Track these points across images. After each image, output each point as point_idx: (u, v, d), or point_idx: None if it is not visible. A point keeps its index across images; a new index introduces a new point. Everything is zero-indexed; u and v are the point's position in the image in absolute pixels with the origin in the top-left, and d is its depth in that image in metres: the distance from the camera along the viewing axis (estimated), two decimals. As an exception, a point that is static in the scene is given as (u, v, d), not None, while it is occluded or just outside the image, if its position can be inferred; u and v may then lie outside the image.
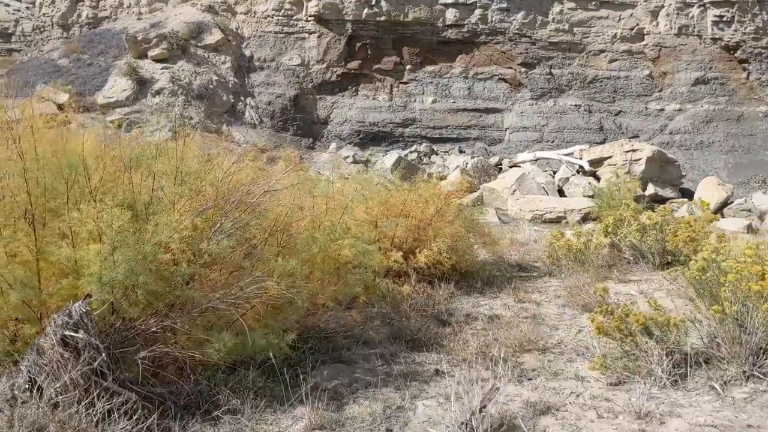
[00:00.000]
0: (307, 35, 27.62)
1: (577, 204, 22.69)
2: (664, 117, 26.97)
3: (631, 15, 27.33)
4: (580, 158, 25.15)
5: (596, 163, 24.90)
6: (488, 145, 27.10)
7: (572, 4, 27.25)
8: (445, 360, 6.30)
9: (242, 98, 26.70)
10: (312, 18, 27.66)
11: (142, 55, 27.47)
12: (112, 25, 30.98)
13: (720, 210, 22.50)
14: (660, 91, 27.16)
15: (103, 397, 4.44)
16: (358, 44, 27.47)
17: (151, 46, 27.47)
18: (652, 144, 25.21)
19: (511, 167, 25.90)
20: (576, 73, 27.07)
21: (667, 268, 9.97)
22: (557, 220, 21.90)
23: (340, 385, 5.69)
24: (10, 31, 39.25)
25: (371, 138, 26.75)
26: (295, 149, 21.81)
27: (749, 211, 22.56)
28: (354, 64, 27.51)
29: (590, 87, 27.14)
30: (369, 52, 27.50)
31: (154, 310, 4.98)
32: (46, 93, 23.21)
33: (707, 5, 26.95)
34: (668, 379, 5.58)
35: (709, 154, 26.43)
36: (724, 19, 26.87)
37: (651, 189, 23.92)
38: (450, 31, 27.42)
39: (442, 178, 23.73)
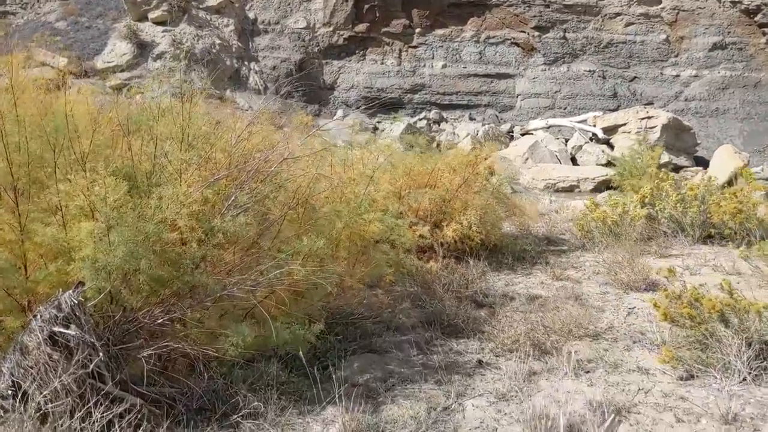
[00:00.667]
0: (312, -3, 26.47)
1: (590, 173, 21.87)
2: (679, 83, 25.93)
3: (647, -23, 26.16)
4: (594, 125, 24.25)
5: (610, 130, 24.00)
6: (499, 112, 26.12)
7: (586, -34, 26.05)
8: (488, 349, 5.54)
9: (246, 63, 25.65)
10: (317, -21, 26.46)
11: (142, 18, 26.35)
12: (112, -12, 29.76)
13: (736, 178, 21.67)
14: (676, 56, 26.09)
15: (101, 404, 3.67)
16: (366, 6, 26.31)
17: (151, 7, 26.33)
18: (667, 111, 24.26)
19: (522, 135, 25.00)
20: (590, 37, 25.96)
21: (710, 242, 9.18)
22: (570, 189, 21.11)
23: (374, 379, 4.93)
24: (6, -6, 37.92)
25: (379, 104, 25.75)
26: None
27: (766, 180, 21.73)
28: (361, 27, 26.40)
29: (605, 52, 26.06)
30: (377, 15, 26.37)
31: (160, 298, 4.19)
32: (42, 57, 22.15)
33: (725, -33, 25.76)
34: (749, 373, 4.81)
35: (724, 122, 25.47)
36: (743, -19, 25.69)
37: (665, 157, 23.01)
38: (460, -7, 26.29)
39: (452, 146, 22.84)
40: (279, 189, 4.84)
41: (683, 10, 25.54)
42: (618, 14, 25.72)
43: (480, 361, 5.29)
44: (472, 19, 25.93)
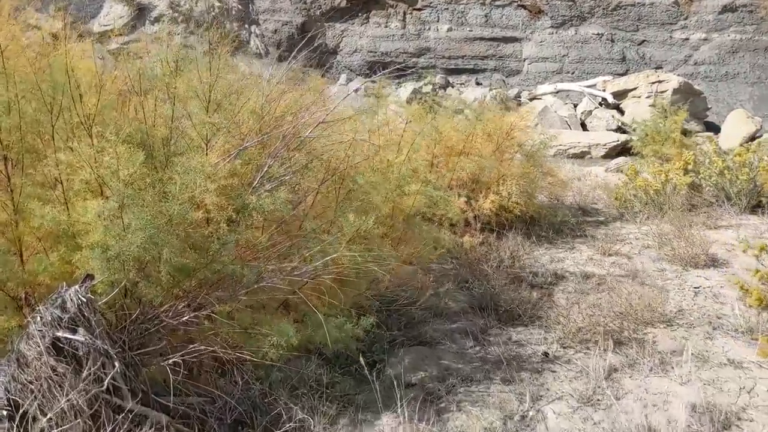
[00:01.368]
0: (313, -41, 25.18)
1: (601, 138, 21.02)
2: (688, 47, 24.91)
3: (656, -63, 24.97)
4: (604, 90, 23.30)
5: (620, 95, 23.06)
6: (506, 77, 25.09)
7: (594, -75, 24.82)
8: (552, 338, 4.79)
9: (246, 26, 24.49)
10: (318, -60, 25.15)
11: (140, -20, 25.08)
12: (107, -50, 28.35)
13: (748, 143, 20.90)
14: (685, 19, 25.01)
15: (120, 426, 2.90)
16: (369, -32, 25.09)
17: (148, -30, 25.04)
18: (677, 75, 23.32)
19: (530, 100, 24.04)
20: (598, -1, 24.86)
21: (759, 211, 8.41)
22: (581, 155, 20.25)
23: (429, 378, 4.17)
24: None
25: (383, 69, 24.68)
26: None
27: (779, 145, 20.91)
28: (364, -10, 25.19)
29: (613, 14, 24.96)
30: (380, -23, 25.16)
31: (184, 290, 3.39)
32: (35, 21, 20.98)
33: (737, -74, 24.59)
34: None
35: (734, 86, 24.53)
36: (755, -59, 24.55)
37: (676, 122, 22.18)
38: (464, -46, 25.04)
39: (458, 111, 21.90)
40: (319, 158, 4.01)
41: (695, -29, 24.43)
42: (628, -25, 24.59)
43: (546, 354, 4.53)
44: (479, -20, 24.77)
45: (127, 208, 2.97)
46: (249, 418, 3.48)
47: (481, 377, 4.17)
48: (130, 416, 2.98)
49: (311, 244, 3.54)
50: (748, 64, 24.66)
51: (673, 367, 4.28)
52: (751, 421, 3.67)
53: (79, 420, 2.87)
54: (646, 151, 14.39)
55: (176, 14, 24.82)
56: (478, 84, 24.87)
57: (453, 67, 24.90)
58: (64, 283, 3.05)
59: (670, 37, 25.03)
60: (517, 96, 24.19)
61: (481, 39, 24.91)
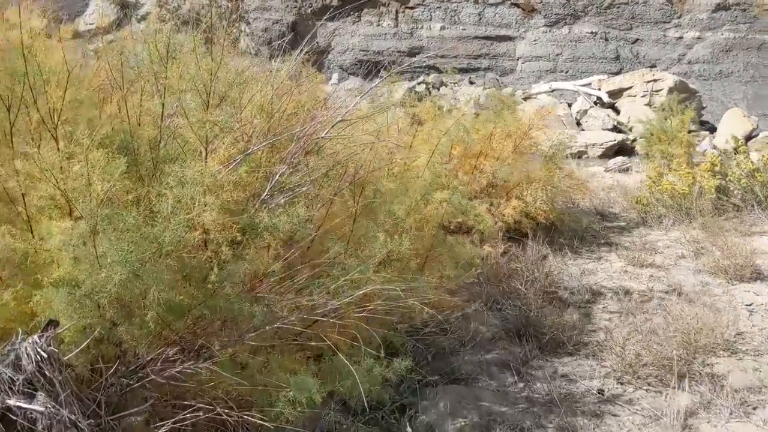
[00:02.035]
0: (304, -44, 24.36)
1: (598, 138, 20.42)
2: (682, 45, 24.35)
3: (649, -65, 24.39)
4: (599, 89, 22.68)
5: (615, 94, 22.46)
6: (499, 76, 24.39)
7: (587, -77, 24.19)
8: (603, 371, 4.06)
9: (236, 25, 23.62)
10: (309, -63, 24.32)
11: (127, -22, 24.14)
12: (93, -53, 27.35)
13: (745, 143, 20.39)
14: (679, 17, 24.45)
15: None
16: (361, -35, 24.31)
17: (135, -33, 24.12)
18: (672, 74, 22.75)
19: (525, 99, 23.36)
20: (592, -3, 24.23)
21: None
22: (578, 155, 19.61)
23: (471, 426, 3.43)
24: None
25: (376, 68, 23.91)
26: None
27: (775, 144, 20.41)
28: (356, -12, 24.40)
29: (607, 13, 24.35)
30: (371, -25, 24.39)
31: (177, 333, 2.63)
32: (17, 19, 20.03)
33: (729, -75, 24.06)
34: None
35: (728, 85, 24.01)
36: (748, -61, 24.05)
37: (672, 121, 21.60)
38: (457, -48, 24.32)
39: (451, 111, 21.20)
40: (343, 164, 3.26)
41: (688, -31, 23.88)
42: (623, -27, 23.97)
43: (601, 392, 3.81)
44: (472, -23, 24.06)
45: (103, 233, 2.20)
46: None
47: (532, 424, 3.44)
48: (107, 508, 2.22)
49: (336, 272, 2.78)
50: (742, 62, 24.16)
51: (754, 409, 3.58)
52: None
53: None
54: (651, 151, 13.76)
55: (163, 12, 23.95)
56: (471, 83, 24.18)
57: (446, 66, 24.16)
58: (20, 330, 2.28)
59: (664, 35, 24.47)
60: (512, 95, 23.51)
61: (475, 38, 24.21)
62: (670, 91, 21.67)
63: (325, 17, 23.28)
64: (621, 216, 8.42)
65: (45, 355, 2.19)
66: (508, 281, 5.08)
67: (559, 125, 21.26)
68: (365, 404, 3.35)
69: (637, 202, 8.09)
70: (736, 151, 8.99)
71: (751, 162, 7.79)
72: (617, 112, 22.12)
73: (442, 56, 24.07)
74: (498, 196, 6.62)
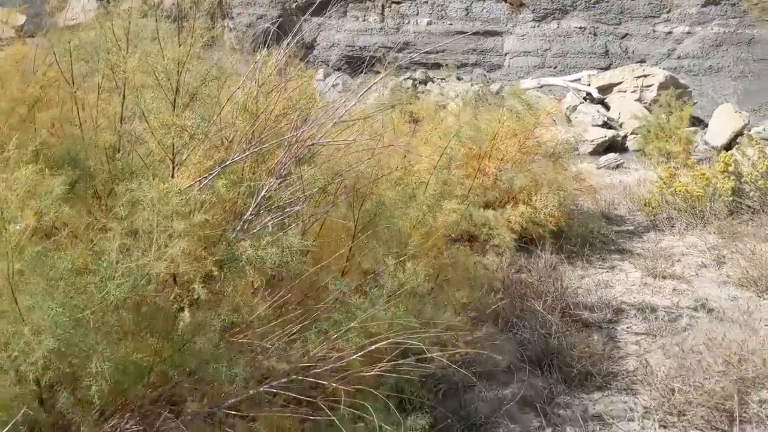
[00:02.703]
0: (287, -50, 23.64)
1: (589, 134, 19.96)
2: (672, 40, 23.93)
3: (637, -71, 23.94)
4: (588, 85, 22.21)
5: (605, 89, 21.99)
6: (487, 72, 23.84)
7: None
8: (642, 408, 3.52)
9: (220, 20, 22.88)
10: (293, -69, 23.61)
11: (105, -28, 23.31)
12: (70, -60, 26.44)
13: (736, 139, 20.05)
14: (668, 12, 24.03)
15: None
16: (346, -41, 23.64)
17: (114, -39, 23.27)
18: (661, 69, 22.34)
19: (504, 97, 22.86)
20: (581, -9, 23.74)
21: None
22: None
23: (496, 486, 2.87)
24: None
25: (362, 64, 23.27)
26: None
27: (767, 140, 20.05)
28: (341, -18, 23.73)
29: (595, 7, 23.86)
30: (356, -31, 23.73)
31: (137, 398, 2.03)
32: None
33: None
34: None
35: (718, 80, 23.63)
36: (736, -67, 23.68)
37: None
38: (444, -55, 23.72)
39: (441, 107, 20.63)
40: (340, 175, 2.67)
41: (678, -37, 23.44)
42: (613, -33, 23.49)
43: (643, 437, 3.27)
44: (461, -29, 23.46)
45: (27, 284, 1.60)
46: None
47: (569, 482, 2.89)
48: None
49: (337, 316, 2.20)
50: (732, 57, 23.79)
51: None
52: None
53: None
54: (648, 148, 13.31)
55: (145, 7, 23.14)
56: (459, 79, 23.61)
57: (433, 62, 23.58)
58: None
59: (653, 30, 24.05)
60: (499, 91, 23.00)
61: (462, 33, 23.64)
62: (661, 86, 21.28)
63: (309, 12, 22.61)
64: (628, 219, 7.90)
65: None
66: (521, 299, 4.51)
67: (550, 122, 20.76)
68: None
69: (646, 205, 7.56)
70: (736, 149, 8.52)
71: (765, 161, 7.28)
72: (607, 108, 21.66)
73: (429, 52, 23.45)
74: (503, 201, 6.08)
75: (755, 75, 23.50)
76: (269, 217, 2.37)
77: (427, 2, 23.72)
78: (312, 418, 2.21)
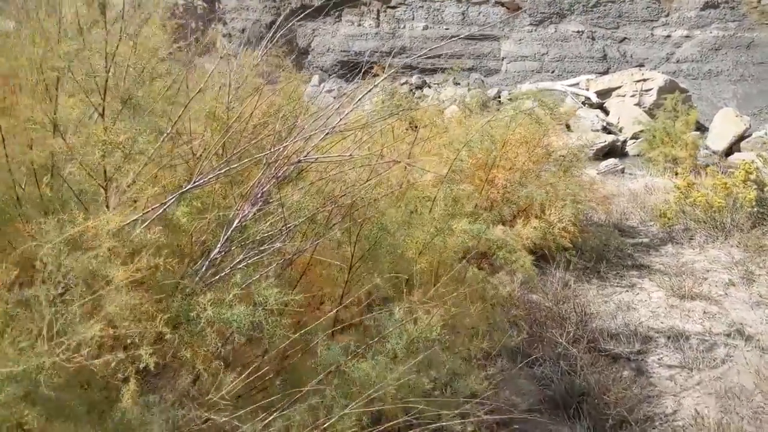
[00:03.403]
0: (282, -46, 23.16)
1: (588, 140, 19.46)
2: (670, 44, 23.50)
3: (635, -68, 23.53)
4: (587, 89, 21.77)
5: (603, 94, 21.58)
6: (484, 76, 23.37)
7: None
8: (688, 466, 2.99)
9: (213, 25, 22.35)
10: (287, -66, 23.13)
11: (96, -23, 22.77)
12: (61, -55, 25.89)
13: (737, 143, 19.63)
14: (667, 16, 23.61)
15: None
16: (341, -37, 23.15)
17: (105, -34, 22.74)
18: (660, 73, 21.90)
19: (510, 100, 22.37)
20: (578, -5, 23.31)
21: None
22: (569, 158, 18.64)
23: None
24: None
25: (357, 69, 22.77)
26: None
27: (768, 144, 19.62)
28: (336, -13, 23.23)
29: (593, 11, 23.43)
30: (352, -27, 23.25)
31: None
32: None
33: None
34: None
35: (717, 84, 23.21)
36: (735, -65, 23.28)
37: (661, 122, 20.75)
38: (440, -51, 23.27)
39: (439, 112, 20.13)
40: (336, 199, 2.14)
41: (676, -34, 23.03)
42: (610, -30, 23.06)
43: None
44: (456, -25, 23.00)
45: None
46: None
47: None
48: None
49: (329, 393, 1.65)
50: (731, 61, 23.38)
51: None
52: None
53: None
54: (653, 153, 12.82)
55: (137, 12, 22.65)
56: (456, 84, 23.13)
57: (430, 66, 23.10)
58: None
59: (652, 34, 23.63)
60: (497, 96, 22.53)
61: (459, 37, 23.16)
62: (660, 90, 20.87)
63: (304, 17, 22.12)
64: (641, 230, 7.38)
65: None
66: (540, 326, 3.98)
67: (561, 128, 20.31)
68: None
69: (662, 216, 7.04)
70: (757, 156, 8.04)
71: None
72: (606, 112, 21.24)
73: (426, 57, 22.97)
74: (513, 214, 5.55)
75: (755, 78, 23.09)
76: (243, 255, 1.83)
77: (422, 7, 23.25)
78: None
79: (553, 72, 23.19)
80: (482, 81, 23.36)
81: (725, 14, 23.42)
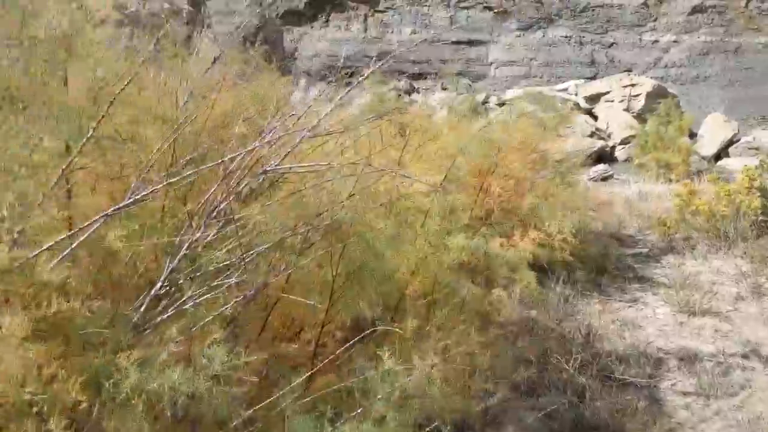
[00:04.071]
0: (268, -43, 22.76)
1: (576, 145, 19.20)
2: (658, 49, 23.29)
3: (624, -63, 23.35)
4: (575, 94, 21.50)
5: (592, 99, 21.30)
6: (472, 81, 23.04)
7: (560, -76, 23.06)
8: None
9: (198, 29, 21.89)
10: (273, -62, 22.73)
11: (79, -20, 22.26)
12: (44, -52, 25.34)
13: (726, 149, 19.44)
14: (655, 20, 23.40)
15: None
16: (328, -33, 22.78)
17: (88, -31, 22.24)
18: (649, 78, 21.68)
19: (499, 105, 22.08)
20: (566, 0, 23.03)
21: None
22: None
23: None
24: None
25: (345, 73, 22.39)
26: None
27: (757, 149, 19.41)
28: (323, -10, 22.84)
29: (581, 16, 23.19)
30: (339, -23, 22.88)
31: None
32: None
33: (702, -73, 23.12)
34: None
35: (705, 89, 23.01)
36: (723, -59, 23.14)
37: (650, 127, 20.52)
38: (428, -48, 22.97)
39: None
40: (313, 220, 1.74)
41: (663, -29, 22.84)
42: (597, -25, 22.84)
43: None
44: (444, -21, 22.69)
45: None
46: None
47: None
48: None
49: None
50: (719, 66, 23.20)
51: None
52: None
53: None
54: (645, 159, 12.53)
55: (121, 16, 22.16)
56: (444, 89, 22.79)
57: (417, 71, 22.74)
58: None
59: (640, 39, 23.41)
60: (485, 101, 22.22)
61: (446, 42, 22.86)
62: (649, 95, 20.65)
63: (290, 21, 21.73)
64: (640, 240, 7.04)
65: None
66: (547, 357, 3.60)
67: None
68: None
69: (663, 225, 6.69)
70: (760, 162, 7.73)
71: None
72: (595, 118, 20.97)
73: (414, 61, 22.64)
74: (508, 224, 5.17)
75: (742, 84, 22.92)
76: (192, 290, 1.44)
77: (410, 11, 22.92)
78: None
79: (541, 77, 22.92)
80: (470, 86, 23.03)
81: (713, 19, 23.27)
